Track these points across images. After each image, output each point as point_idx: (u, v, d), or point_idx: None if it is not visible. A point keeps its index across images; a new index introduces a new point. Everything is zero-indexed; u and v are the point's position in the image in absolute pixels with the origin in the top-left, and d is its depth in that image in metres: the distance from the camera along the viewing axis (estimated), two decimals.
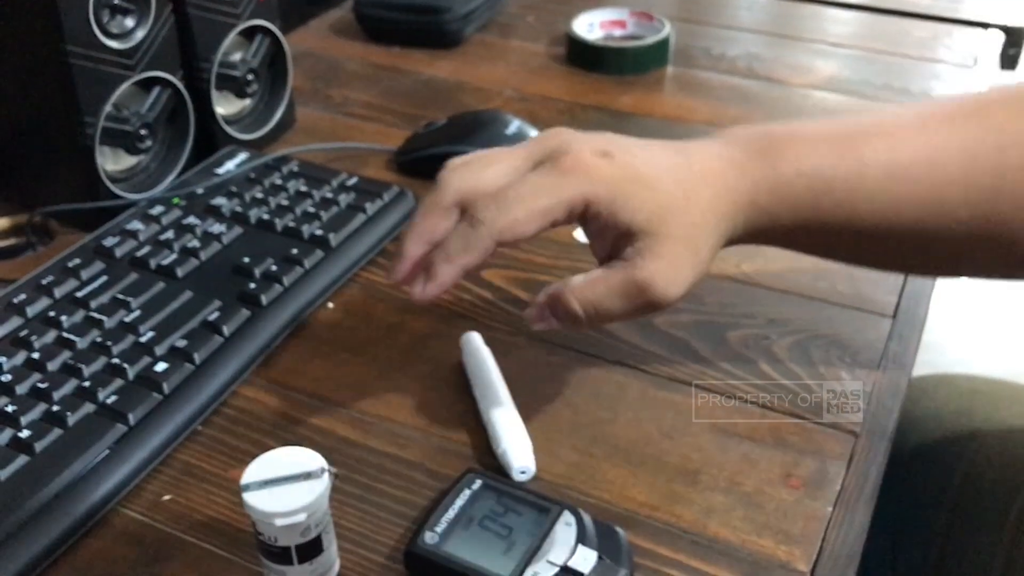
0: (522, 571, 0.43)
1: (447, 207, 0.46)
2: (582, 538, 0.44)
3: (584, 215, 0.46)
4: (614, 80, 0.92)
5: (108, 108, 0.66)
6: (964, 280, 0.56)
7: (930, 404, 0.65)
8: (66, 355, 0.54)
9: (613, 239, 0.47)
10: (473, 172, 0.47)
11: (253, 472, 0.42)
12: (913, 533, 0.59)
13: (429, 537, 0.44)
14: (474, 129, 0.75)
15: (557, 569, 0.43)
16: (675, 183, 0.47)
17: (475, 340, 0.57)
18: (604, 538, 0.45)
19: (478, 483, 0.47)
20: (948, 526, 0.57)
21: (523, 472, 0.49)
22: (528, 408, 0.53)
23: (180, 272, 0.61)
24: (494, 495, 0.47)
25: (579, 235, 0.69)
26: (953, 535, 0.57)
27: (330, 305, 0.63)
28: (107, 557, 0.46)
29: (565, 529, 0.45)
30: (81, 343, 0.55)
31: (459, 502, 0.46)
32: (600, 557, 0.43)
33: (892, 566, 0.61)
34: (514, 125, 0.75)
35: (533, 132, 0.76)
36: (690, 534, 0.47)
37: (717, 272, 0.65)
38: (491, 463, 0.51)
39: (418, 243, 0.47)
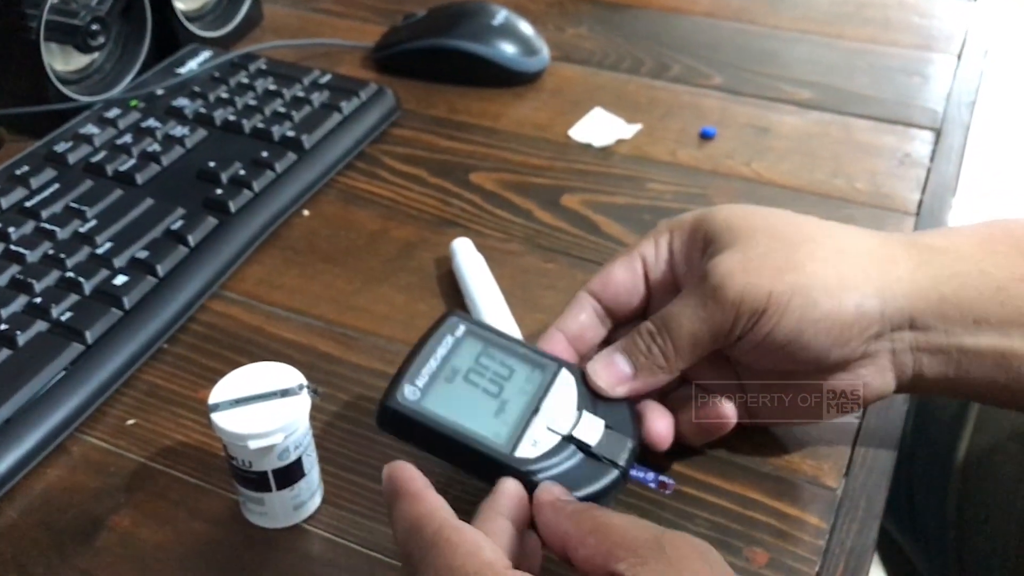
0: (519, 438, 0.37)
1: None
2: (585, 402, 0.38)
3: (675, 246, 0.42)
4: None
5: None
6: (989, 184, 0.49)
7: None
8: (14, 269, 0.50)
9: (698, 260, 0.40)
10: None
11: (223, 390, 0.38)
12: (933, 447, 0.56)
13: (409, 392, 0.38)
14: (457, 21, 0.69)
15: (560, 438, 0.37)
16: (783, 223, 0.40)
17: (466, 247, 0.53)
18: (608, 405, 0.39)
19: (462, 328, 0.40)
20: (973, 441, 0.54)
21: None
22: (524, 318, 0.49)
23: (140, 178, 0.57)
24: (480, 344, 0.40)
25: (574, 133, 0.64)
26: (976, 450, 0.53)
27: (305, 212, 0.58)
28: (67, 487, 0.42)
29: (565, 390, 0.39)
30: (31, 256, 0.51)
31: (441, 351, 0.39)
32: (608, 426, 0.38)
33: (908, 483, 0.58)
34: (501, 15, 0.69)
35: (523, 23, 0.70)
36: (708, 449, 0.43)
37: (726, 171, 0.61)
38: None
39: None
